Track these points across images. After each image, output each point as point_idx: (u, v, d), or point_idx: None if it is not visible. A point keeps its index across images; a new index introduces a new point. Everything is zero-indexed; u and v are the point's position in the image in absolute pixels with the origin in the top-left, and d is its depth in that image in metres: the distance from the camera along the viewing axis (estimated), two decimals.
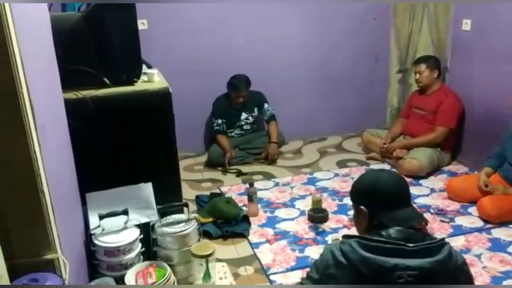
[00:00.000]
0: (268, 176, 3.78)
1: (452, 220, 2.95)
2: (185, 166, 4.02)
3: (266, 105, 4.12)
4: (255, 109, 4.13)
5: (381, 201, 1.46)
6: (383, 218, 1.43)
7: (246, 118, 4.10)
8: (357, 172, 3.75)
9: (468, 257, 2.45)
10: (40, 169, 1.26)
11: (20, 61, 1.21)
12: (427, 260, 1.30)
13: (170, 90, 2.02)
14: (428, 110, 3.70)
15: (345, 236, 1.46)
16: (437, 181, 3.52)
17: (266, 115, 4.13)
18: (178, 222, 1.96)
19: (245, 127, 4.12)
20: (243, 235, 2.85)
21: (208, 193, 3.39)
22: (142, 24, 3.86)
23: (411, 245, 1.31)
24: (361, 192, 1.54)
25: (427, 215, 2.99)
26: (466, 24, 3.63)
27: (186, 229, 1.92)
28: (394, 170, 3.66)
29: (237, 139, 4.11)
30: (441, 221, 2.93)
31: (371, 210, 1.47)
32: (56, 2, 1.70)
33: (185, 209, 2.03)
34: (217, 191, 3.49)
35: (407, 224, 1.41)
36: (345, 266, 1.35)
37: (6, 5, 1.15)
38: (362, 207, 1.49)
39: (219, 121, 4.00)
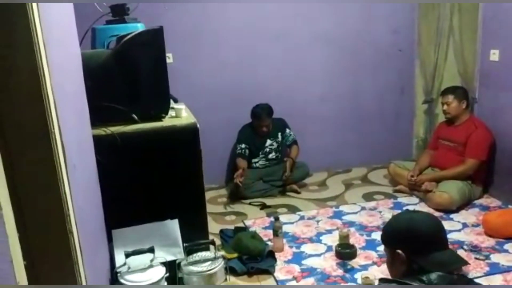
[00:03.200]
0: (292, 209, 3.71)
1: (487, 257, 2.81)
2: (209, 199, 3.98)
3: (288, 130, 4.12)
4: (279, 135, 4.12)
5: (419, 244, 1.39)
6: (423, 262, 1.36)
7: (271, 144, 4.09)
8: (384, 205, 3.66)
9: None
10: (70, 210, 1.24)
11: (53, 102, 1.21)
12: None
13: (198, 125, 2.01)
14: (457, 142, 3.61)
15: (383, 280, 1.39)
16: (469, 216, 3.38)
17: (288, 140, 4.11)
18: (205, 260, 1.92)
19: (270, 155, 4.08)
20: (269, 271, 2.77)
21: (232, 226, 3.34)
22: (167, 58, 3.90)
23: None
24: (397, 236, 1.47)
25: (460, 252, 2.86)
26: (494, 55, 3.56)
27: (213, 268, 1.87)
28: (425, 206, 3.57)
29: (261, 170, 4.07)
30: (476, 258, 2.80)
31: (408, 254, 1.40)
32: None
33: (211, 246, 1.98)
34: (241, 224, 3.44)
35: (449, 268, 1.34)
36: None
37: (41, 45, 1.16)
38: (398, 251, 1.42)
39: (243, 145, 4.00)
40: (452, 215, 3.39)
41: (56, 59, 1.30)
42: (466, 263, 1.46)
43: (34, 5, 1.15)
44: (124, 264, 1.82)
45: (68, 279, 1.26)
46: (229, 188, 4.05)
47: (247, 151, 4.00)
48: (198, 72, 4.04)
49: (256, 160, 4.07)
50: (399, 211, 3.45)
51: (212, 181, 4.19)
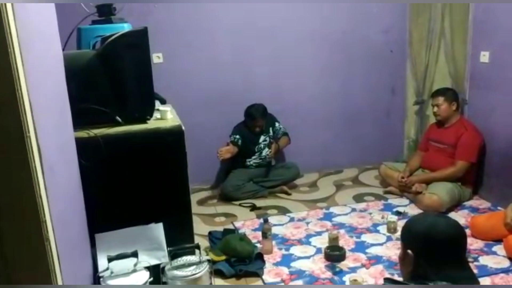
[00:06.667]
0: (283, 210, 3.69)
1: (476, 259, 2.81)
2: (199, 200, 3.96)
3: (277, 124, 4.12)
4: (270, 130, 4.12)
5: (430, 251, 1.35)
6: (430, 272, 1.32)
7: (264, 140, 4.07)
8: (374, 207, 3.65)
9: None
10: (46, 216, 1.21)
11: (28, 103, 1.18)
12: None
13: (183, 128, 1.98)
14: (447, 144, 3.60)
15: (388, 280, 1.37)
16: (459, 217, 3.37)
17: (279, 133, 4.12)
18: (189, 265, 1.89)
19: (263, 152, 4.05)
20: (257, 274, 2.75)
21: (221, 228, 3.31)
22: (157, 58, 3.89)
23: None
24: (413, 236, 1.42)
25: None
26: (485, 56, 3.56)
27: (197, 273, 1.85)
28: (415, 208, 3.56)
29: (252, 171, 4.04)
30: None
31: (418, 257, 1.37)
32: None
33: (196, 251, 1.96)
34: (231, 226, 3.41)
35: (454, 283, 1.29)
36: None
37: (16, 46, 1.13)
38: (409, 251, 1.39)
39: (237, 136, 3.97)
40: None
41: (33, 60, 1.27)
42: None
43: (9, 4, 1.12)
44: (107, 268, 1.79)
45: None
46: (220, 189, 4.02)
47: (240, 141, 3.97)
48: (189, 72, 4.01)
49: (249, 159, 4.05)
50: (389, 213, 3.45)
51: (203, 182, 4.17)
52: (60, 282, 1.27)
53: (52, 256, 1.23)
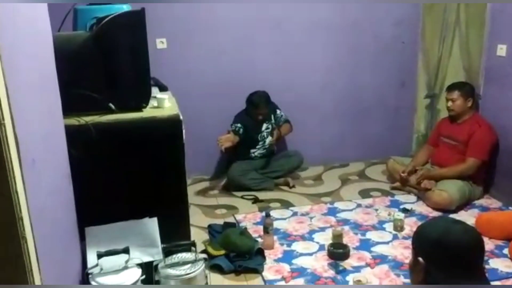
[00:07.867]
0: (286, 204, 3.58)
1: (486, 262, 2.69)
2: (200, 190, 3.86)
3: (278, 111, 3.98)
4: (272, 117, 3.98)
5: (443, 260, 1.24)
6: (441, 281, 1.22)
7: (267, 128, 3.94)
8: (381, 203, 3.53)
9: None
10: (23, 212, 1.11)
11: (4, 87, 1.06)
12: None
13: (181, 117, 1.87)
14: (459, 141, 3.46)
15: None
16: (468, 216, 3.25)
17: (280, 120, 3.98)
18: (184, 263, 1.78)
19: (267, 141, 3.93)
20: (257, 270, 2.65)
21: (222, 221, 3.22)
22: (161, 43, 3.76)
23: None
24: (424, 242, 1.31)
25: None
26: (502, 49, 3.40)
27: (192, 272, 1.74)
28: (422, 205, 3.43)
29: (256, 162, 3.93)
30: None
31: (429, 265, 1.26)
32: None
33: (192, 248, 1.85)
34: (232, 218, 3.31)
35: None
36: None
37: None
38: (420, 258, 1.28)
39: (238, 125, 3.83)
40: (450, 216, 3.26)
41: (11, 42, 1.15)
42: None
43: None
44: (96, 265, 1.69)
45: None
46: (226, 176, 3.90)
47: (241, 130, 3.82)
48: (193, 59, 3.87)
49: (254, 150, 3.93)
50: (396, 209, 3.33)
51: (204, 172, 4.06)
52: (38, 282, 1.17)
53: (28, 255, 1.12)
